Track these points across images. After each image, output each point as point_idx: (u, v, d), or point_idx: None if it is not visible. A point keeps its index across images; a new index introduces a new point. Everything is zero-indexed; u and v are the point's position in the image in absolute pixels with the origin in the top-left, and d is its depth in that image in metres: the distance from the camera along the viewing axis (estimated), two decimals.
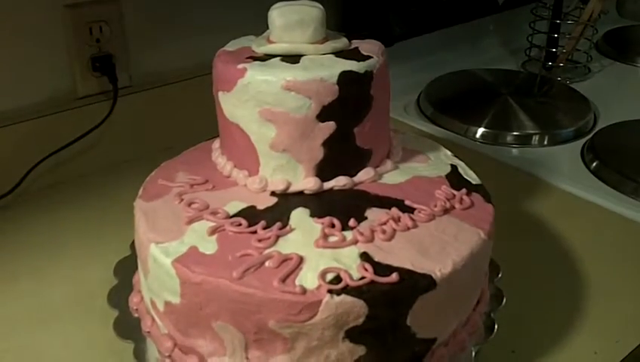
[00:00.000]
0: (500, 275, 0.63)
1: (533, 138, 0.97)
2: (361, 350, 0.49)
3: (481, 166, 0.66)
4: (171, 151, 0.67)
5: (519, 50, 1.24)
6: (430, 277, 0.49)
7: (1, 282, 0.68)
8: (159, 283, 0.52)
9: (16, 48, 0.80)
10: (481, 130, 0.98)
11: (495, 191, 0.61)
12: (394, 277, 0.48)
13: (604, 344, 0.60)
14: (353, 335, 0.48)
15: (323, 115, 0.55)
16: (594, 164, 0.89)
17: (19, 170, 0.80)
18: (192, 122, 0.85)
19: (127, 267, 0.64)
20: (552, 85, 1.15)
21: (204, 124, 0.70)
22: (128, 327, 0.58)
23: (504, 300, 0.60)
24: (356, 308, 0.47)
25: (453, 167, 0.63)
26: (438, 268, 0.50)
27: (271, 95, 0.55)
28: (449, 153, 0.66)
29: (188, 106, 0.90)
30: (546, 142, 0.97)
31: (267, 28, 0.60)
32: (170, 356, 0.54)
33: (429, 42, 1.18)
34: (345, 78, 0.55)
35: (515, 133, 0.97)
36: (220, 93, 0.59)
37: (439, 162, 0.64)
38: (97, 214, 0.78)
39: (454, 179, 0.61)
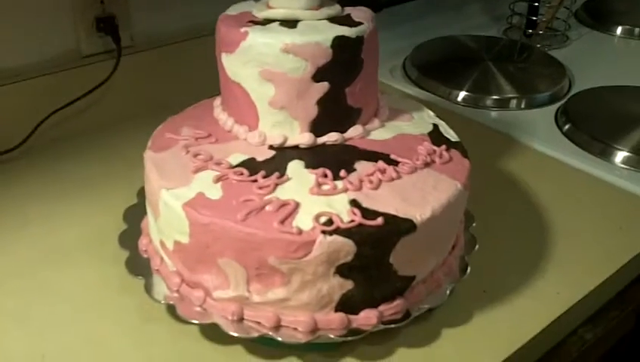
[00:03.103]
0: (474, 224, 0.70)
1: (511, 102, 1.03)
2: (349, 284, 0.56)
3: (461, 127, 0.71)
4: (170, 108, 0.72)
5: (501, 17, 1.29)
6: (411, 221, 0.56)
7: (13, 227, 0.74)
8: (169, 225, 0.58)
9: (23, 9, 0.84)
10: (462, 94, 1.04)
11: (474, 150, 0.67)
12: (379, 220, 0.55)
13: (565, 286, 0.67)
14: (343, 271, 0.55)
15: (318, 76, 0.61)
16: (566, 127, 0.96)
17: (27, 124, 0.85)
18: (191, 81, 0.90)
19: (135, 213, 0.70)
20: (531, 52, 1.20)
21: (202, 83, 0.75)
22: (138, 266, 0.64)
23: (477, 246, 0.67)
24: (346, 247, 0.54)
25: (435, 126, 0.69)
26: (418, 213, 0.56)
27: (271, 57, 0.60)
28: (431, 113, 0.72)
29: (187, 66, 0.95)
30: (523, 106, 1.03)
31: None
32: (178, 290, 0.60)
33: (416, 8, 1.23)
34: (338, 42, 0.60)
35: (494, 97, 1.03)
36: (223, 55, 0.64)
37: (422, 121, 0.70)
38: (102, 167, 0.83)
39: (435, 136, 0.67)
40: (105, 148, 0.86)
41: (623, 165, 0.87)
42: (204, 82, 0.73)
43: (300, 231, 0.53)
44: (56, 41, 0.88)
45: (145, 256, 0.65)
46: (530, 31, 1.24)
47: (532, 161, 0.88)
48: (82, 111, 0.89)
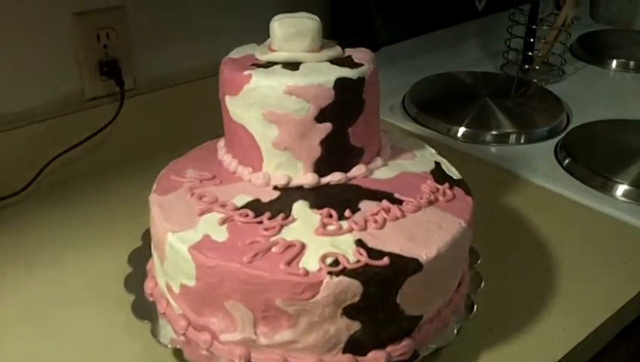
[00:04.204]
0: (479, 261, 0.70)
1: (511, 137, 1.04)
2: (356, 325, 0.56)
3: (462, 163, 0.72)
4: (174, 151, 0.72)
5: (498, 53, 1.30)
6: (417, 260, 0.56)
7: (18, 272, 0.73)
8: (176, 268, 0.58)
9: (29, 54, 0.85)
10: (462, 130, 1.04)
11: (475, 186, 0.68)
12: (385, 260, 0.55)
13: (571, 322, 0.67)
14: (350, 312, 0.55)
15: (320, 117, 0.61)
16: (566, 161, 0.96)
17: (32, 168, 0.85)
18: (194, 123, 0.91)
19: (140, 256, 0.70)
20: (528, 87, 1.22)
21: (205, 124, 0.76)
22: (144, 309, 0.64)
23: (482, 283, 0.67)
24: (352, 288, 0.54)
25: (437, 164, 0.69)
26: (424, 252, 0.56)
27: (274, 99, 0.61)
28: (433, 151, 0.72)
29: (189, 108, 0.95)
30: (522, 141, 1.04)
31: (264, 33, 0.66)
32: (184, 334, 0.60)
33: (413, 46, 1.24)
34: (340, 83, 0.61)
35: (493, 133, 1.04)
36: (227, 97, 0.64)
37: (424, 159, 0.70)
38: (107, 209, 0.84)
39: (438, 174, 0.67)
40: (109, 191, 0.87)
41: (624, 198, 0.88)
42: (207, 124, 0.74)
43: (307, 273, 0.53)
44: (60, 84, 0.89)
45: (151, 299, 0.65)
46: (527, 66, 1.26)
47: (533, 196, 0.88)
48: (86, 154, 0.90)
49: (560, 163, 0.97)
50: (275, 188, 0.64)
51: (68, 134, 0.88)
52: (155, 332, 0.61)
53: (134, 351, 0.63)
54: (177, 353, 0.60)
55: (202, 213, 0.60)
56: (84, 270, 0.74)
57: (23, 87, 0.86)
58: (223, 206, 0.61)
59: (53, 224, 0.81)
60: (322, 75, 0.61)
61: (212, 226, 0.59)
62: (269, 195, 0.63)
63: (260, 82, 0.61)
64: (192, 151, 0.73)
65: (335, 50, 0.66)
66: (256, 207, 0.61)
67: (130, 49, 0.92)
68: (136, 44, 0.93)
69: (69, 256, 0.76)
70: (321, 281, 0.53)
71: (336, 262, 0.54)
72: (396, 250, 0.56)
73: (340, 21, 1.14)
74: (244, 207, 0.61)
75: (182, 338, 0.60)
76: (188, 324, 0.60)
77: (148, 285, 0.66)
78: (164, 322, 0.63)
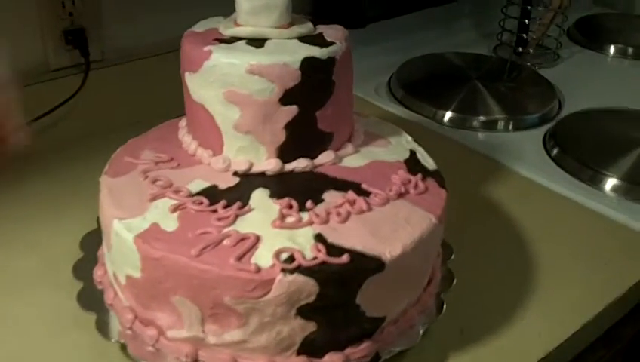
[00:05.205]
0: (452, 257, 0.66)
1: (499, 123, 0.99)
2: (312, 326, 0.52)
3: (446, 150, 0.68)
4: (140, 125, 0.68)
5: (491, 34, 1.25)
6: (379, 259, 0.51)
7: None
8: (121, 258, 0.54)
9: None
10: (448, 114, 1.00)
11: (457, 175, 0.64)
12: (344, 258, 0.50)
13: (548, 326, 0.63)
14: (304, 312, 0.51)
15: (285, 99, 0.57)
16: (554, 151, 0.92)
17: None
18: (162, 97, 0.86)
19: (93, 240, 0.66)
20: (520, 71, 1.17)
21: (174, 100, 0.71)
22: (93, 299, 0.60)
23: (454, 281, 0.63)
24: (307, 287, 0.49)
25: (412, 153, 0.65)
26: (387, 250, 0.52)
27: (235, 77, 0.56)
28: (409, 138, 0.68)
29: (158, 82, 0.90)
30: (510, 128, 0.99)
31: None
32: (131, 327, 0.56)
33: (402, 24, 1.19)
34: (307, 63, 0.56)
35: (481, 118, 0.99)
36: (187, 74, 0.60)
37: (399, 147, 0.66)
38: (66, 187, 0.79)
39: (412, 164, 0.63)
40: (68, 168, 0.82)
41: (612, 193, 0.83)
42: (176, 100, 0.69)
43: (258, 269, 0.49)
44: (23, 53, 0.84)
45: (100, 287, 0.61)
46: (521, 49, 1.21)
47: (518, 188, 0.84)
48: (48, 127, 0.85)
49: (548, 153, 0.92)
50: (236, 173, 0.59)
51: (30, 106, 0.82)
52: (100, 325, 0.57)
53: (81, 342, 0.59)
54: (125, 347, 0.56)
55: (153, 198, 0.56)
56: (36, 252, 0.69)
57: None
58: (177, 192, 0.57)
59: (9, 199, 0.77)
60: (288, 54, 0.57)
61: (162, 214, 0.54)
62: (227, 181, 0.58)
63: (221, 59, 0.56)
64: (153, 129, 0.68)
65: (305, 27, 0.61)
66: (212, 193, 0.57)
67: (97, 18, 0.87)
68: (104, 13, 0.88)
69: (22, 236, 0.72)
70: (274, 279, 0.49)
71: (291, 259, 0.50)
72: (358, 247, 0.52)
73: None
74: (199, 193, 0.57)
75: (128, 331, 0.56)
76: (134, 318, 0.56)
77: (97, 273, 0.62)
78: (114, 313, 0.59)
